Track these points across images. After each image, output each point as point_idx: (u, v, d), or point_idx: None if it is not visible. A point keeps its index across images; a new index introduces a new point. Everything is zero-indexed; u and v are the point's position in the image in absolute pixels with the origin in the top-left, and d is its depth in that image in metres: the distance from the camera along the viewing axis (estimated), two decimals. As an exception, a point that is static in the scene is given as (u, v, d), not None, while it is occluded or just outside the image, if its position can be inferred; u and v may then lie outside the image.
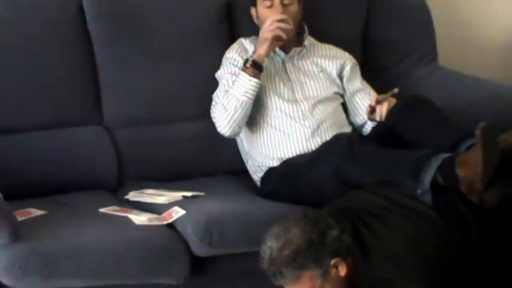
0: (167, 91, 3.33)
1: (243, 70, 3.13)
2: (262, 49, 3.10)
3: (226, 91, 3.21)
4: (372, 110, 3.14)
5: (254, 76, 3.08)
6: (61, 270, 2.54)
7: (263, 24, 3.16)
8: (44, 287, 2.60)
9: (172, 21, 3.36)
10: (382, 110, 3.08)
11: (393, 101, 3.12)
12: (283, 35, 3.11)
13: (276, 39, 3.11)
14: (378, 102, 3.09)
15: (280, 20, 3.09)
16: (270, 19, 3.11)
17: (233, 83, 3.19)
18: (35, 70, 3.17)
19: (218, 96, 3.25)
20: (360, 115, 3.41)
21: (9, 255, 2.46)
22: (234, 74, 3.24)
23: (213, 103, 3.26)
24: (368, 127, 3.38)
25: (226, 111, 3.16)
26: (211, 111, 3.30)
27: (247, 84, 3.10)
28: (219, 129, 3.19)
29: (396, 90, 3.15)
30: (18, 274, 2.48)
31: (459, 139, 2.70)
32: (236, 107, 3.15)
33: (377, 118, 3.11)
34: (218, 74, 3.29)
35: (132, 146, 3.26)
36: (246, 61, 3.13)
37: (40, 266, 2.49)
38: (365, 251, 2.48)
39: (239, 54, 3.30)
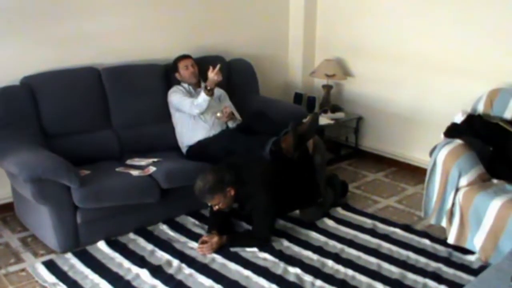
0: (142, 110, 4.55)
1: (204, 93, 4.20)
2: (213, 85, 4.26)
3: (192, 102, 4.28)
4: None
5: (209, 96, 4.27)
6: (102, 198, 3.67)
7: (209, 73, 4.21)
8: (96, 206, 3.65)
9: (142, 77, 4.62)
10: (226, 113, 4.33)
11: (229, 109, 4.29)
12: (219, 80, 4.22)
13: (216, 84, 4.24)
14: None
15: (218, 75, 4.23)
16: (213, 76, 4.19)
17: (193, 101, 4.24)
18: (80, 103, 4.24)
19: (186, 105, 4.33)
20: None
21: (79, 193, 3.59)
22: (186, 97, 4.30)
23: (187, 107, 4.32)
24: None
25: (196, 108, 4.31)
26: (187, 109, 4.30)
27: (206, 98, 4.26)
28: (195, 113, 4.29)
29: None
30: (84, 201, 3.60)
31: (282, 130, 4.02)
32: (201, 106, 4.25)
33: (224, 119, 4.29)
34: (176, 100, 4.40)
35: (127, 138, 4.43)
36: (206, 88, 4.19)
37: (93, 196, 3.64)
38: (241, 182, 3.67)
39: (181, 91, 4.49)
